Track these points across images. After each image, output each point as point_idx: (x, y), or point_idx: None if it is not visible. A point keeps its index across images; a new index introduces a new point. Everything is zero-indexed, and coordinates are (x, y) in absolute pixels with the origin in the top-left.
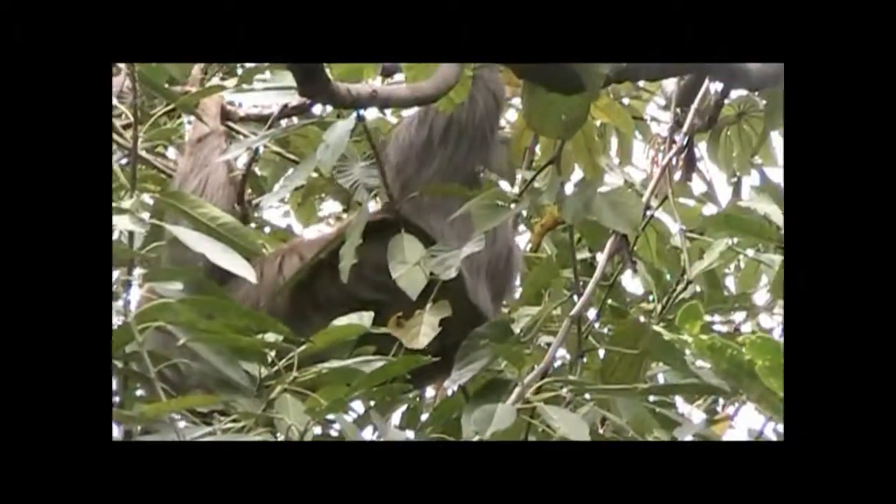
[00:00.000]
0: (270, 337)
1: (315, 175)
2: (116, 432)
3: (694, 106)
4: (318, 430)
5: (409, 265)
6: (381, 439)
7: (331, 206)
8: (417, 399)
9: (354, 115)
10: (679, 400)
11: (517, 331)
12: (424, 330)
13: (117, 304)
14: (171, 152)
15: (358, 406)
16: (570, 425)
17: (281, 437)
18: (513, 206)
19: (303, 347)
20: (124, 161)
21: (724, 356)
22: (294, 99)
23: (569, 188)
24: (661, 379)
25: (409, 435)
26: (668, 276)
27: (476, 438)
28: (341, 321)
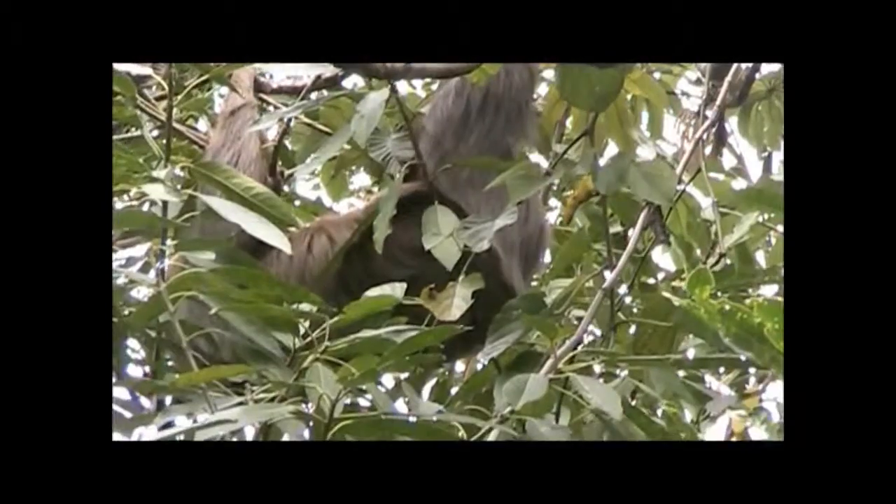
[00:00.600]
0: (303, 308)
1: (347, 148)
2: (147, 403)
3: (727, 79)
4: (348, 401)
5: (442, 237)
6: (413, 411)
7: (361, 180)
8: (447, 373)
9: (387, 86)
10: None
11: (549, 303)
12: (457, 302)
13: (149, 275)
14: (202, 124)
15: (389, 382)
16: (602, 396)
17: (312, 407)
18: (546, 177)
19: (336, 319)
20: (156, 133)
21: (734, 320)
22: (328, 70)
23: (601, 161)
24: (691, 354)
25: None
26: (698, 251)
27: (508, 409)
28: (373, 292)
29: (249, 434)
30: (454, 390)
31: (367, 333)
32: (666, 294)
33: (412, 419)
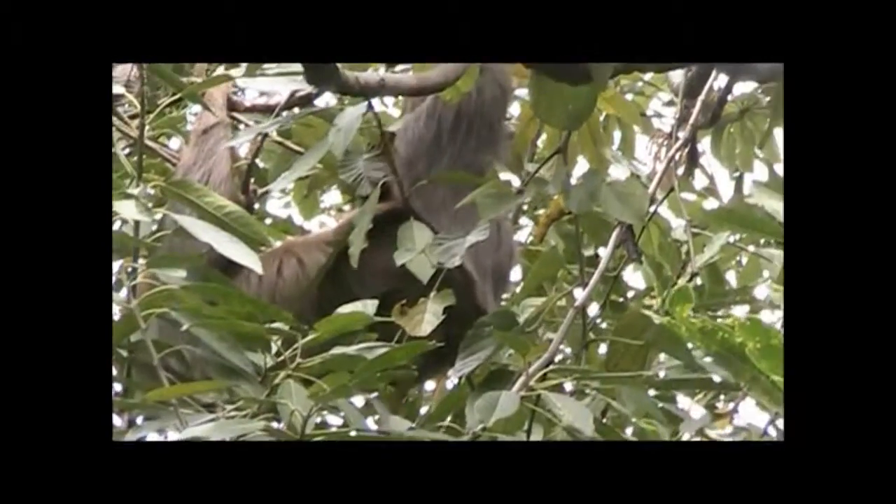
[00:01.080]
0: (276, 326)
1: (320, 167)
2: (118, 421)
3: (701, 97)
4: (319, 419)
5: (415, 252)
6: (384, 428)
7: (333, 198)
8: (416, 392)
9: (364, 102)
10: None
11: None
12: (428, 318)
13: (120, 294)
14: (174, 143)
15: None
16: (574, 413)
17: (283, 424)
18: (518, 195)
19: (309, 338)
20: (127, 151)
21: (715, 339)
22: (303, 86)
23: (574, 180)
24: (663, 375)
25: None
26: (668, 272)
27: (480, 427)
28: (345, 309)
29: None
30: (423, 410)
31: (339, 350)
32: (646, 312)
33: (384, 436)
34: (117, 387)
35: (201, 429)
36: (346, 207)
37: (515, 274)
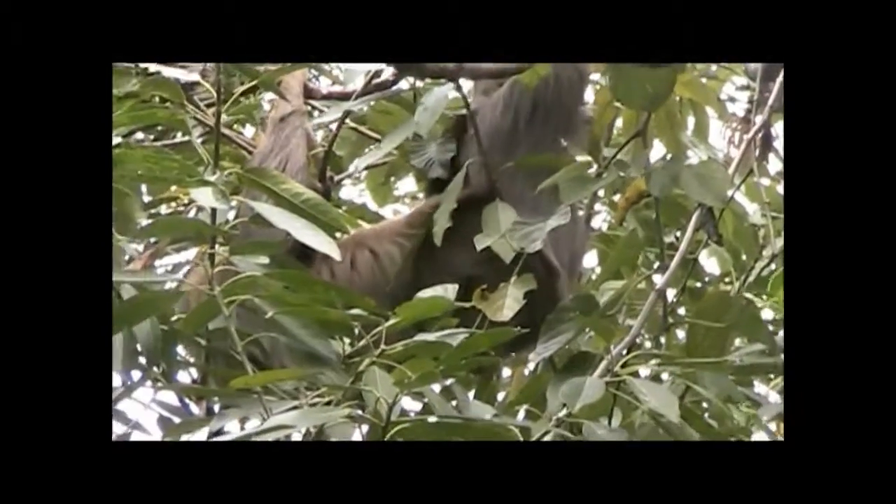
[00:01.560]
0: (357, 312)
1: (396, 154)
2: (196, 410)
3: (779, 80)
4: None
5: (497, 235)
6: (466, 415)
7: (407, 186)
8: (494, 378)
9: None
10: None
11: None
12: (509, 303)
13: (190, 280)
14: (248, 131)
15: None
16: (659, 399)
17: (368, 411)
18: (599, 179)
19: (391, 322)
20: (202, 139)
21: None
22: (385, 67)
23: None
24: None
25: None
26: (744, 257)
27: (563, 412)
28: (426, 294)
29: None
30: (500, 395)
31: (423, 336)
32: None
33: (469, 422)
34: (194, 374)
35: (285, 417)
36: (421, 195)
37: (588, 260)
